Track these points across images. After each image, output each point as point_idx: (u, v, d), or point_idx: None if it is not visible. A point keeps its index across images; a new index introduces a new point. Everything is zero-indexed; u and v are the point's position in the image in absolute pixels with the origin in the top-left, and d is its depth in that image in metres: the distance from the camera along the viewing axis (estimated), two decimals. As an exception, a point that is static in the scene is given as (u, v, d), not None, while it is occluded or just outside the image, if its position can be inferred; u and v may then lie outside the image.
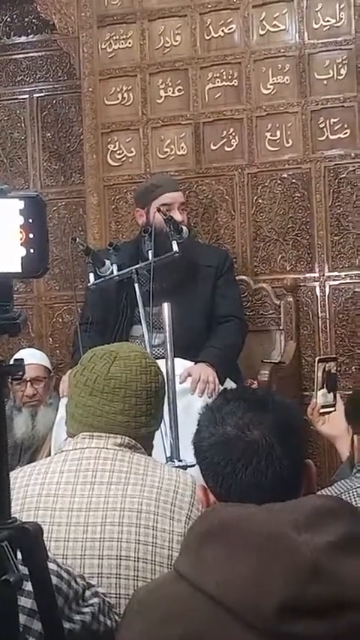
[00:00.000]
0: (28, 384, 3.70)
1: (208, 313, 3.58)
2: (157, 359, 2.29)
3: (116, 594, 1.59)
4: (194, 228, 4.02)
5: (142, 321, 3.08)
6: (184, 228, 3.43)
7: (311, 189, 3.98)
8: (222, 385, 3.30)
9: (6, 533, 1.19)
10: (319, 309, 3.98)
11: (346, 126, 3.94)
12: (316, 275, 3.98)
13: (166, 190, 3.63)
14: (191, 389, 3.23)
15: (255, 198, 4.06)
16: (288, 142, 4.00)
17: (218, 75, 4.08)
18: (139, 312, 3.16)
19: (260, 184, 4.05)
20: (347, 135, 3.94)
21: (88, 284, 3.29)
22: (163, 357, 2.71)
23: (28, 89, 4.64)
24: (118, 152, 4.21)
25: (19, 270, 1.21)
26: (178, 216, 3.49)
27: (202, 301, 3.57)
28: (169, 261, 3.28)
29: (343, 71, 3.93)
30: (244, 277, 3.99)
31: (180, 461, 2.46)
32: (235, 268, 3.91)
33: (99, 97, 4.21)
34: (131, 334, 3.53)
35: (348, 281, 3.96)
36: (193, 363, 3.34)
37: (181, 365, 3.21)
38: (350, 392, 3.20)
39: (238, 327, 3.59)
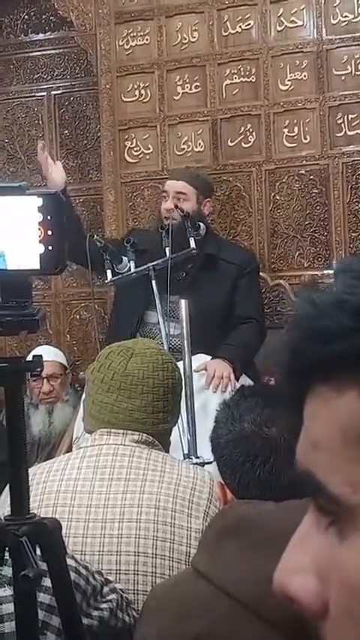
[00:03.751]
0: (44, 380, 3.71)
1: (224, 308, 3.55)
2: (172, 349, 2.28)
3: (134, 590, 1.60)
4: (212, 225, 4.01)
5: (159, 313, 3.08)
6: (202, 224, 3.42)
7: (329, 186, 3.96)
8: (237, 381, 3.30)
9: (25, 529, 1.20)
10: (337, 306, 3.95)
11: (364, 122, 3.92)
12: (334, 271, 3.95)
13: (168, 178, 3.67)
14: (206, 383, 3.24)
15: (272, 194, 4.04)
16: (306, 139, 3.98)
17: (236, 71, 4.07)
18: (154, 301, 3.16)
19: (278, 181, 4.03)
20: (365, 131, 3.92)
21: (106, 281, 3.29)
22: (179, 348, 2.71)
23: (45, 86, 4.64)
24: (135, 149, 4.21)
25: (38, 267, 1.21)
26: (166, 204, 3.49)
27: (218, 295, 3.54)
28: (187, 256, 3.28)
29: (361, 67, 3.91)
30: (261, 274, 3.97)
31: (197, 458, 2.46)
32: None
33: (116, 93, 4.21)
34: (146, 320, 3.52)
35: (366, 278, 3.93)
36: (211, 357, 3.34)
37: (202, 360, 3.23)
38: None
39: (256, 329, 3.57)
